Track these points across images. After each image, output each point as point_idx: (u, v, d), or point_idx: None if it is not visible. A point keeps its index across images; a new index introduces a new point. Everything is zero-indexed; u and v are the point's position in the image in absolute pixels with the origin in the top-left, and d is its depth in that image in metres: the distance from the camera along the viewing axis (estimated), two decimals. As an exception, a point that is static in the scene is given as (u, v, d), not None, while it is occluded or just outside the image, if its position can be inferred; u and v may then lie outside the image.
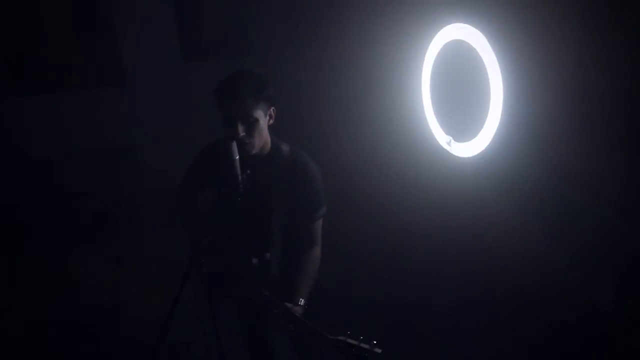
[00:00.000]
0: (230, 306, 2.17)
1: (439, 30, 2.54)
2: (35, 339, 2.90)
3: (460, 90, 2.47)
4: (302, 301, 1.87)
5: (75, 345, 2.88)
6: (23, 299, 3.12)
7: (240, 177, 1.78)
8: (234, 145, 1.76)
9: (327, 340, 1.64)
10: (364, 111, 3.21)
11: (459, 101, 2.49)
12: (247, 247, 2.01)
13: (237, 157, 1.76)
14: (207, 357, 2.00)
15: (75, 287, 3.26)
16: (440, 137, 2.67)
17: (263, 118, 1.81)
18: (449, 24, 2.46)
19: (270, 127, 1.90)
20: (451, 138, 2.58)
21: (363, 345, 1.57)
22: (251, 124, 1.78)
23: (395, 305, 2.97)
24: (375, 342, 1.58)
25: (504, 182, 2.28)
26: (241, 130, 1.77)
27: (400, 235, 3.06)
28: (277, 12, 4.59)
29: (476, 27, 2.25)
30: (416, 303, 2.92)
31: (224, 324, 1.89)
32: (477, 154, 2.37)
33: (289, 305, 1.80)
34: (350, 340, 1.59)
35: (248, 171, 1.85)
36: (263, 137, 1.86)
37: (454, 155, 2.55)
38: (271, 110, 1.86)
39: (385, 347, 1.57)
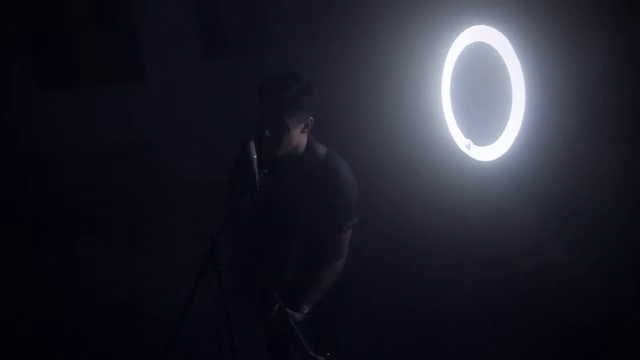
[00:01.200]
0: (248, 305, 2.17)
1: (460, 32, 2.52)
2: (50, 332, 2.94)
3: (480, 93, 2.44)
4: (305, 309, 1.83)
5: (89, 339, 2.92)
6: (40, 291, 3.17)
7: (257, 177, 1.76)
8: (252, 144, 1.75)
9: (307, 356, 1.62)
10: (382, 112, 3.20)
11: (479, 104, 2.46)
12: (266, 247, 2.01)
13: (255, 157, 1.74)
14: (219, 353, 2.00)
15: (92, 281, 3.31)
16: (460, 140, 2.64)
17: (295, 126, 1.77)
18: (471, 25, 2.43)
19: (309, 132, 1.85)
20: (470, 141, 2.55)
21: None
22: (280, 129, 1.75)
23: (408, 308, 2.95)
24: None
25: (523, 187, 2.24)
26: (267, 132, 1.74)
27: (416, 238, 3.04)
28: (297, 12, 4.60)
29: (499, 30, 2.22)
30: (430, 307, 2.89)
31: (238, 321, 1.90)
32: (497, 158, 2.33)
33: (289, 310, 1.76)
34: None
35: (265, 170, 1.84)
36: (291, 144, 1.81)
37: (473, 159, 2.52)
38: (308, 119, 1.80)
39: (397, 350, 1.56)
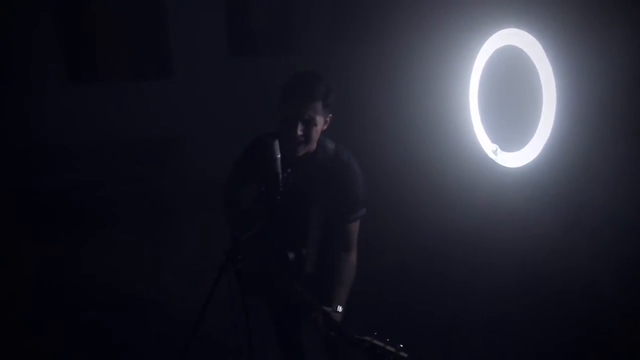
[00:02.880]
0: (263, 302, 2.18)
1: (490, 35, 2.47)
2: (68, 324, 2.99)
3: (509, 98, 2.39)
4: (340, 308, 1.86)
5: (106, 331, 2.95)
6: (58, 284, 3.21)
7: (280, 176, 1.78)
8: (276, 143, 1.76)
9: (353, 340, 1.62)
10: (409, 114, 3.16)
11: (508, 109, 2.41)
12: (284, 242, 2.02)
13: (279, 156, 1.76)
14: (237, 350, 2.02)
15: (111, 274, 3.35)
16: (486, 145, 2.59)
17: (321, 124, 1.83)
18: (502, 29, 2.38)
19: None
20: (497, 147, 2.50)
21: (389, 347, 1.55)
22: (310, 127, 1.79)
23: (428, 312, 2.91)
24: (401, 345, 1.55)
25: (550, 195, 2.19)
26: (299, 130, 1.78)
27: (438, 243, 3.00)
28: (326, 12, 4.59)
29: (531, 33, 2.17)
30: (450, 312, 2.85)
31: (257, 318, 1.90)
32: (525, 165, 2.29)
33: (328, 309, 1.79)
34: (376, 342, 1.57)
35: (289, 170, 1.85)
36: (315, 141, 1.87)
37: (500, 165, 2.48)
38: (329, 117, 1.86)
39: (414, 354, 1.54)
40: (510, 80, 2.38)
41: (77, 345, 2.85)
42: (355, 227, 1.97)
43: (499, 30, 2.39)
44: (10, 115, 4.29)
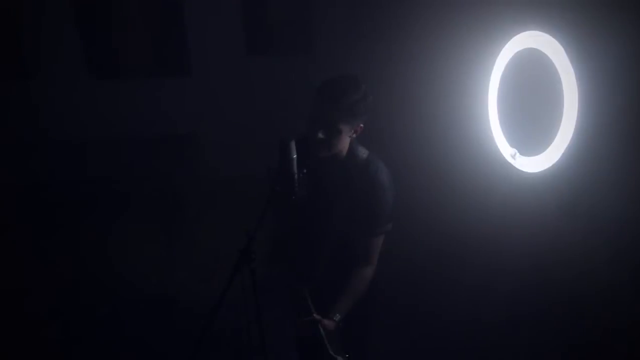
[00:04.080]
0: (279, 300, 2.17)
1: (511, 38, 2.44)
2: (84, 319, 3.01)
3: (530, 101, 2.35)
4: (337, 317, 1.82)
5: (121, 325, 2.97)
6: (75, 278, 3.24)
7: (296, 177, 1.75)
8: (293, 144, 1.74)
9: (328, 356, 1.63)
10: (426, 116, 3.13)
11: (528, 113, 2.37)
12: (298, 246, 2.01)
13: (295, 157, 1.74)
14: (249, 348, 2.01)
15: (127, 269, 3.37)
16: (505, 149, 2.56)
17: (347, 132, 1.78)
18: (524, 31, 2.35)
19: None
20: (516, 151, 2.46)
21: None
22: (332, 134, 1.75)
23: (442, 317, 2.89)
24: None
25: (571, 201, 2.15)
26: (320, 134, 1.75)
27: (454, 247, 2.97)
28: (344, 11, 4.58)
29: (554, 37, 2.13)
30: (463, 315, 2.83)
31: (269, 317, 1.90)
32: (544, 170, 2.25)
33: (318, 317, 1.77)
34: None
35: (305, 170, 1.83)
36: (339, 147, 1.82)
37: (518, 169, 2.44)
38: (359, 126, 1.81)
39: (427, 356, 1.53)
40: (530, 83, 2.35)
41: (91, 338, 2.87)
42: (376, 241, 1.90)
43: (521, 32, 2.35)
44: (28, 110, 4.35)
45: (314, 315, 1.78)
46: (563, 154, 2.11)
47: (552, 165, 2.19)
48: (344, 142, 1.82)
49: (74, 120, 4.54)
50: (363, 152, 1.89)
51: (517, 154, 2.45)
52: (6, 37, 4.28)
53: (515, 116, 2.49)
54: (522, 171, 2.42)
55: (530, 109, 2.34)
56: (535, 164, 2.31)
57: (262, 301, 1.82)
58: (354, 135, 1.84)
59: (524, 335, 2.55)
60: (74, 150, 4.45)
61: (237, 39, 4.80)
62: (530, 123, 2.35)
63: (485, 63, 2.61)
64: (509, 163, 2.50)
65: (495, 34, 2.52)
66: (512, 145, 2.51)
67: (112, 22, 4.59)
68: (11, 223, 3.45)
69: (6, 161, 4.21)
